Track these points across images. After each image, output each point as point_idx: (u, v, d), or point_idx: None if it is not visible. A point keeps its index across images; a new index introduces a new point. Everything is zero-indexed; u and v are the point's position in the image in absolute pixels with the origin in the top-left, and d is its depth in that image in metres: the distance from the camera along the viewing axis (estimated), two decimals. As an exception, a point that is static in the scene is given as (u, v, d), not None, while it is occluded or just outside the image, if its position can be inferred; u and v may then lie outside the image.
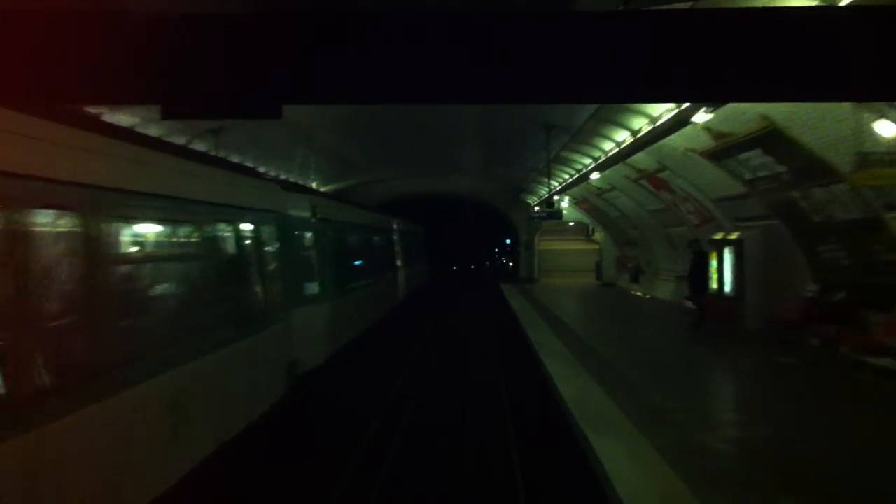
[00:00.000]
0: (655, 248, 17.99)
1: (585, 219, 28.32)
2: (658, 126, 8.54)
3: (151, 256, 3.63)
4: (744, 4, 4.66)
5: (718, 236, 10.67)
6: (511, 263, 42.93)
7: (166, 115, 2.22)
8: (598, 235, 32.29)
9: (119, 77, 2.14)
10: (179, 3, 2.31)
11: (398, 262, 17.63)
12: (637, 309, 16.68)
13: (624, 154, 10.86)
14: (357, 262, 10.93)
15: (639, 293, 20.86)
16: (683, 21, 2.32)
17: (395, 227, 18.26)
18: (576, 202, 24.74)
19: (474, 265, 62.41)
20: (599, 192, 18.60)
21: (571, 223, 32.63)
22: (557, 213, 25.20)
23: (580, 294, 23.72)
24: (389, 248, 16.34)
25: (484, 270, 58.30)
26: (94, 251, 2.80)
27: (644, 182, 12.94)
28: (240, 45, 2.19)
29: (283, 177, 15.46)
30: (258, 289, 5.35)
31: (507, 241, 49.79)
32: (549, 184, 17.47)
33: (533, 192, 27.79)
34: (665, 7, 4.66)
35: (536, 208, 27.44)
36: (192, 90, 2.20)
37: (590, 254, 32.74)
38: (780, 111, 6.62)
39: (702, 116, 6.84)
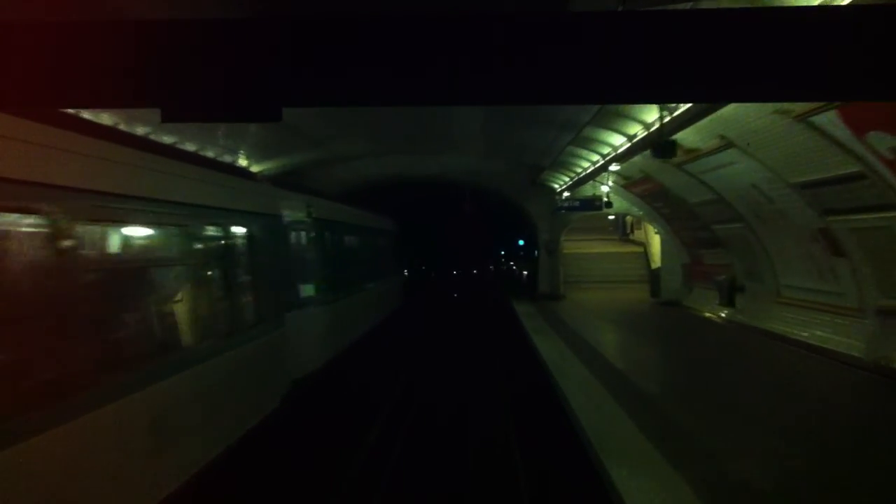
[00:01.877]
0: (778, 248, 16.58)
1: (634, 209, 28.67)
2: None
3: None
4: (745, 4, 6.24)
5: None
6: (525, 272, 44.48)
7: (166, 118, 3.33)
8: (643, 234, 34.35)
9: (120, 82, 3.28)
10: (180, 9, 3.94)
11: (323, 293, 14.77)
12: (782, 365, 14.26)
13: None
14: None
15: (718, 317, 20.26)
16: (682, 21, 3.39)
17: (319, 218, 15.26)
18: (625, 183, 24.58)
19: (476, 270, 66.77)
20: (690, 157, 16.07)
21: (612, 216, 34.60)
22: (595, 202, 25.86)
23: (642, 323, 22.79)
24: (295, 266, 13.42)
25: (487, 277, 64.16)
26: None
27: (829, 117, 10.74)
28: (239, 49, 3.31)
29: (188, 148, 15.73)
30: None
31: (521, 242, 52.61)
32: (661, 114, 14.45)
33: (564, 168, 27.44)
34: (663, 7, 6.42)
35: (566, 194, 28.24)
36: (192, 93, 3.30)
37: (631, 259, 35.31)
38: None
39: None
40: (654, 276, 28.63)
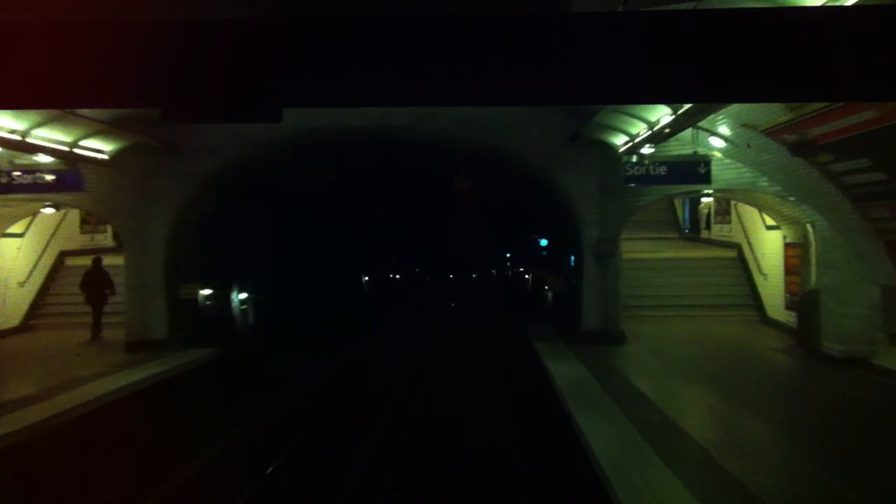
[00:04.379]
0: None
1: (762, 181, 16.39)
2: None
3: None
4: (746, 5, 6.18)
5: None
6: (553, 291, 25.67)
7: (166, 118, 3.40)
8: (735, 229, 23.50)
9: (120, 81, 3.34)
10: (180, 10, 3.86)
11: None
12: None
13: None
14: None
15: None
16: (683, 21, 3.43)
17: None
18: (771, 127, 13.02)
19: (475, 274, 57.15)
20: None
21: (708, 197, 21.79)
22: (697, 169, 15.05)
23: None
24: None
25: (488, 293, 51.44)
26: None
27: None
28: (239, 49, 3.35)
29: None
30: None
31: (543, 242, 32.48)
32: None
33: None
34: (664, 8, 6.45)
35: (646, 149, 15.22)
36: (192, 94, 3.34)
37: (716, 269, 23.90)
38: None
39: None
40: (804, 307, 16.12)
